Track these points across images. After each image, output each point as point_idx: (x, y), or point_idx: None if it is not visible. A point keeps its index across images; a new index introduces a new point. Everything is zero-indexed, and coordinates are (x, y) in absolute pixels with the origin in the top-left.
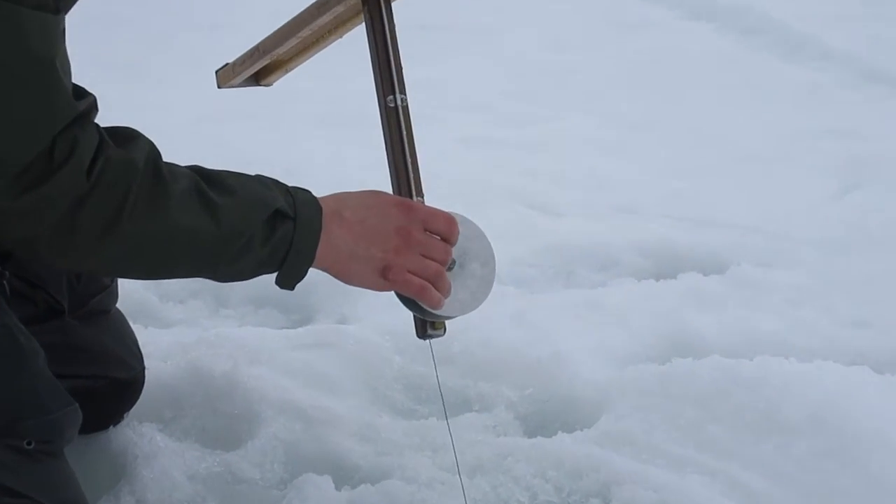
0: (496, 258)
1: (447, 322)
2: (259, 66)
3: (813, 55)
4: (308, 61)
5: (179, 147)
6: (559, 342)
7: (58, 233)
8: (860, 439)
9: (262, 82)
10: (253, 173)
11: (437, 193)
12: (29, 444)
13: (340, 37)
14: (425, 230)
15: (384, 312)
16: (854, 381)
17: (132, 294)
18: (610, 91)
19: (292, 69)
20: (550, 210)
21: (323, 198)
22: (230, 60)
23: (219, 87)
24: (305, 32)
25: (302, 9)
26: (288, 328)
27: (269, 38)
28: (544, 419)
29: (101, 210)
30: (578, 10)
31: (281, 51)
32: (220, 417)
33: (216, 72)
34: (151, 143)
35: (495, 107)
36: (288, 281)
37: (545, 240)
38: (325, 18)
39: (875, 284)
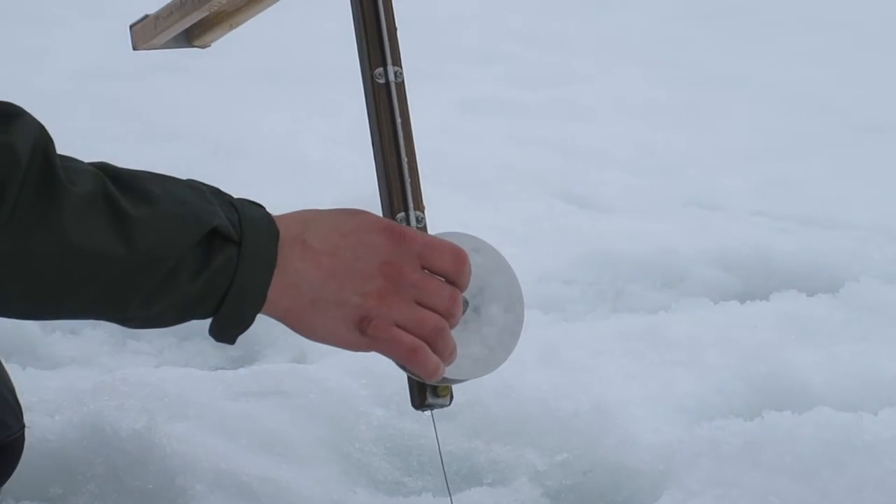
0: (523, 292)
1: (455, 386)
2: (192, 21)
3: None
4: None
5: (63, 115)
6: (605, 389)
7: None
8: None
9: (196, 42)
10: (174, 157)
11: (434, 184)
12: None
13: None
14: (423, 267)
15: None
16: None
17: (5, 322)
18: (674, 35)
19: (239, 25)
20: (592, 204)
21: (281, 217)
22: (150, 11)
23: (135, 47)
24: None
25: None
26: (224, 369)
27: None
28: (584, 496)
29: None
30: None
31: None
32: (130, 495)
33: (131, 27)
34: (41, 127)
35: (515, 58)
36: (227, 330)
37: (585, 246)
38: None
39: None
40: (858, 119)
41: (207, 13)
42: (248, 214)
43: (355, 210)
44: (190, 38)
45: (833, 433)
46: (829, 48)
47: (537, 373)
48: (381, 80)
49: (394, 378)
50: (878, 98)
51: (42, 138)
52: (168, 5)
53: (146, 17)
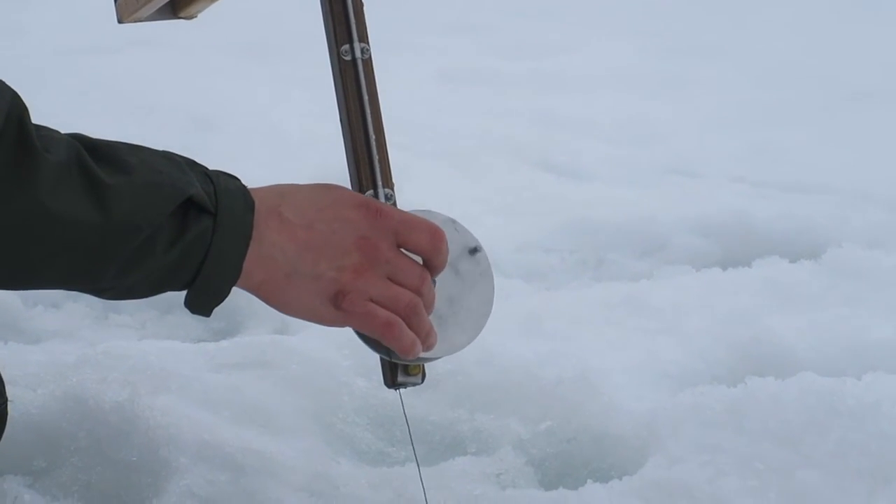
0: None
1: (427, 364)
2: None
3: None
4: None
5: (44, 89)
6: (588, 357)
7: None
8: None
9: (182, 13)
10: (150, 130)
11: (414, 154)
12: None
13: None
14: (398, 245)
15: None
16: None
17: None
18: (655, 6)
19: None
20: (572, 173)
21: (256, 190)
22: None
23: (120, 20)
24: None
25: None
26: (206, 341)
27: None
28: (568, 464)
29: None
30: None
31: None
32: (113, 467)
33: (115, 0)
34: (14, 94)
35: (495, 28)
36: (202, 302)
37: (566, 214)
38: None
39: None
40: (839, 87)
41: None
42: (224, 186)
43: (333, 185)
44: (175, 9)
45: (816, 398)
46: (810, 18)
47: (520, 341)
48: (348, 58)
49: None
50: (859, 66)
51: (16, 106)
52: None
53: None
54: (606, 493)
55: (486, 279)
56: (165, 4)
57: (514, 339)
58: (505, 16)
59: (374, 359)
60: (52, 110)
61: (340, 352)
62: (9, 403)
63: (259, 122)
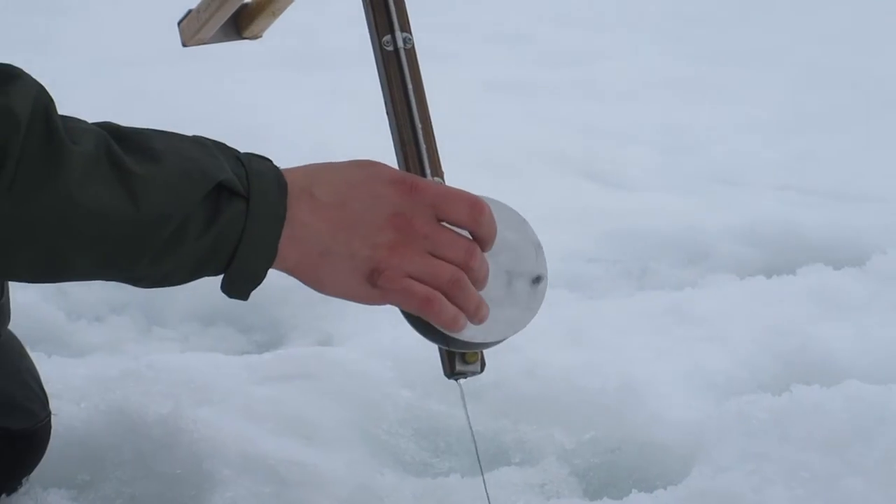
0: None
1: (486, 351)
2: (231, 11)
3: None
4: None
5: (79, 100)
6: (632, 366)
7: None
8: None
9: (246, 33)
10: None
11: (457, 163)
12: None
13: None
14: (439, 219)
15: (384, 327)
16: None
17: (30, 310)
18: (696, 12)
19: (281, 11)
20: (615, 182)
21: (288, 170)
22: (190, 9)
23: (184, 44)
24: None
25: None
26: (250, 353)
27: None
28: (612, 474)
29: None
30: None
31: None
32: (157, 480)
33: (178, 24)
34: (40, 87)
35: (537, 39)
36: (239, 286)
37: (610, 224)
38: None
39: None
40: (884, 93)
41: (241, 2)
42: (256, 168)
43: (366, 161)
44: (239, 29)
45: (862, 406)
46: (854, 23)
47: (563, 351)
48: (390, 48)
49: (419, 360)
50: None
51: (42, 98)
52: (202, 3)
53: (189, 11)
54: (651, 502)
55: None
56: (230, 26)
57: (557, 348)
58: (543, 25)
59: (417, 370)
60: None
61: (384, 363)
62: (52, 417)
63: (304, 132)
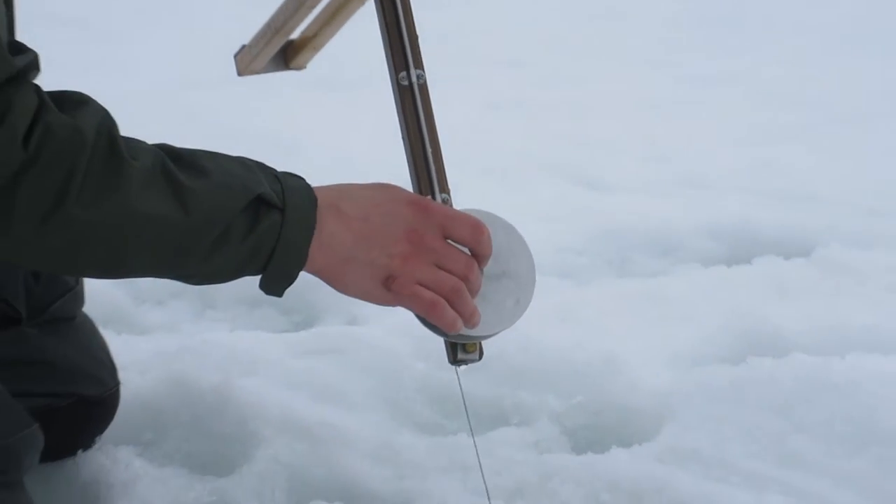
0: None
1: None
2: (278, 46)
3: None
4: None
5: (143, 120)
6: (613, 342)
7: None
8: None
9: (292, 65)
10: (234, 154)
11: (465, 172)
12: None
13: (362, 3)
14: (445, 237)
15: (402, 310)
16: None
17: (102, 296)
18: (673, 40)
19: (322, 46)
20: (600, 185)
21: (319, 188)
22: (245, 44)
23: (239, 74)
24: (316, 2)
25: None
26: (288, 332)
27: (278, 12)
28: (596, 433)
29: (42, 189)
30: None
31: (299, 25)
32: (210, 439)
33: (234, 56)
34: (105, 111)
35: (532, 63)
36: (275, 284)
37: (594, 221)
38: None
39: None
40: (829, 111)
41: (286, 38)
42: (290, 184)
43: (387, 184)
44: (287, 60)
45: (807, 375)
46: (804, 50)
47: (555, 329)
48: (405, 83)
49: (432, 337)
50: (845, 94)
51: (106, 121)
52: (255, 35)
53: (243, 46)
54: (628, 456)
55: (528, 266)
56: (279, 58)
57: (549, 327)
58: (539, 52)
59: (430, 346)
60: (158, 138)
61: (402, 339)
62: (121, 386)
63: (332, 146)
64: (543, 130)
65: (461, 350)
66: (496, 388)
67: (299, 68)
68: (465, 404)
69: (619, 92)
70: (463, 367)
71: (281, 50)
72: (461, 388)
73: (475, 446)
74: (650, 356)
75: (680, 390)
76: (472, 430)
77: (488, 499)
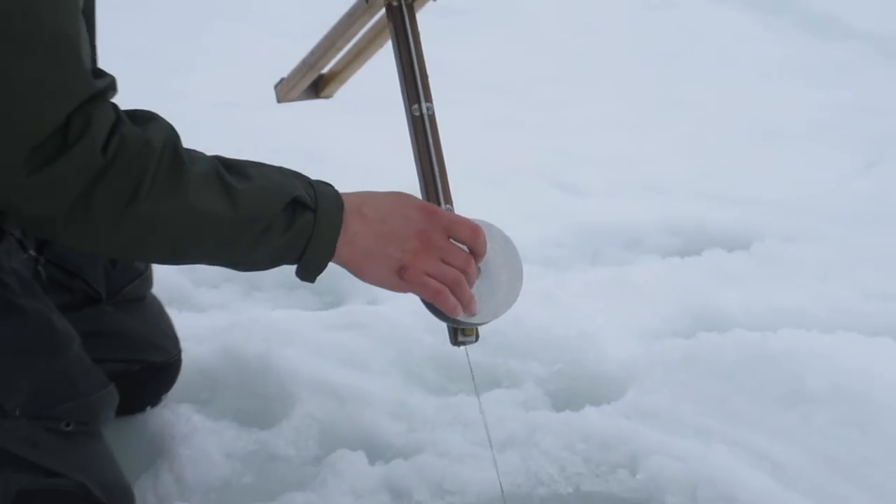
0: (526, 255)
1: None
2: (311, 79)
3: (835, 34)
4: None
5: (201, 134)
6: (586, 320)
7: (73, 211)
8: (882, 408)
9: (322, 94)
10: (276, 164)
11: (465, 179)
12: (67, 425)
13: (381, 46)
14: (448, 237)
15: (413, 296)
16: (876, 352)
17: (167, 280)
18: (638, 72)
19: (347, 79)
20: (577, 190)
21: (345, 194)
22: (284, 76)
23: (278, 101)
24: (344, 44)
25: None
26: (320, 310)
27: (312, 52)
28: (572, 394)
29: (118, 189)
30: None
31: (329, 63)
32: (255, 398)
33: (274, 87)
34: (170, 126)
35: (520, 90)
36: (308, 272)
37: (572, 219)
38: (358, 29)
39: None
40: (764, 127)
41: (320, 73)
42: (322, 190)
43: (401, 192)
44: (316, 91)
45: (745, 348)
46: (736, 79)
47: (539, 309)
48: (417, 114)
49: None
50: (776, 112)
51: (171, 134)
52: (292, 70)
53: (281, 79)
54: (599, 414)
55: (518, 268)
56: (310, 89)
57: (534, 307)
58: (526, 82)
59: (438, 323)
60: (212, 149)
61: (413, 317)
62: (182, 354)
63: (356, 158)
64: (529, 145)
65: (461, 333)
66: (491, 358)
67: (328, 97)
68: (472, 375)
69: (593, 114)
70: (463, 347)
71: (313, 83)
72: (469, 364)
73: (480, 408)
74: (617, 332)
75: (642, 360)
76: (478, 394)
77: (490, 446)
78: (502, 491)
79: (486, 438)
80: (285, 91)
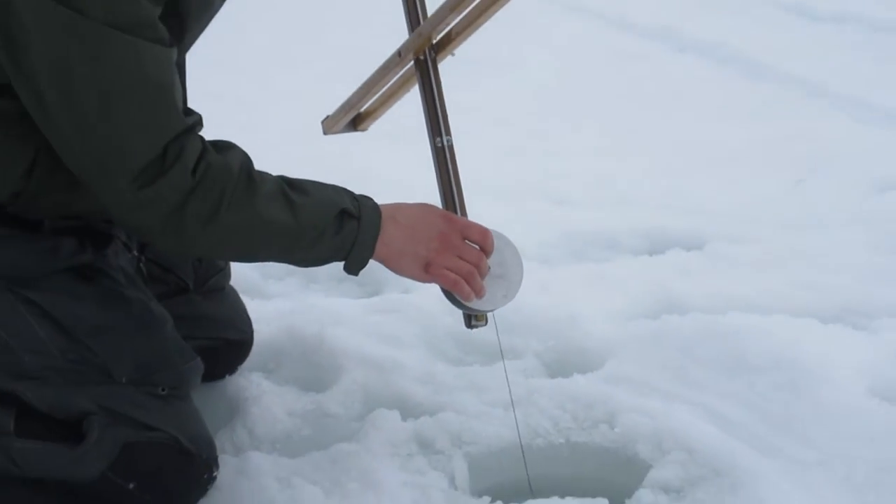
0: (525, 257)
1: (490, 317)
2: (351, 116)
3: (770, 78)
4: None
5: (273, 160)
6: (573, 305)
7: (169, 221)
8: (808, 374)
9: (359, 128)
10: (328, 181)
11: (476, 194)
12: (163, 390)
13: (409, 90)
14: (464, 238)
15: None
16: (804, 330)
17: (242, 274)
18: (613, 110)
19: (379, 116)
20: (566, 203)
21: (383, 205)
22: (329, 114)
23: (324, 133)
24: (379, 89)
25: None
26: (363, 298)
27: (353, 95)
28: (563, 364)
29: (203, 203)
30: (587, 44)
31: (366, 104)
32: (311, 367)
33: (321, 122)
34: (245, 153)
35: (521, 124)
36: (353, 268)
37: (562, 226)
38: (391, 77)
39: (821, 256)
40: (713, 154)
41: (359, 111)
42: (364, 202)
43: (427, 204)
44: (355, 125)
45: (700, 328)
46: (691, 114)
47: (537, 297)
48: (440, 145)
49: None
50: (723, 142)
51: (246, 159)
52: (336, 109)
53: (327, 117)
54: (585, 380)
55: (519, 266)
56: (350, 124)
57: (533, 295)
58: (526, 116)
59: (456, 310)
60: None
61: (437, 303)
62: (254, 333)
63: (393, 177)
64: (528, 168)
65: (474, 319)
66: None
67: (363, 130)
68: (502, 355)
69: (578, 142)
70: (475, 329)
71: (352, 120)
72: (500, 343)
73: (505, 372)
74: (598, 314)
75: (618, 337)
76: (506, 372)
77: (513, 406)
78: (520, 438)
79: (496, 401)
80: (329, 126)
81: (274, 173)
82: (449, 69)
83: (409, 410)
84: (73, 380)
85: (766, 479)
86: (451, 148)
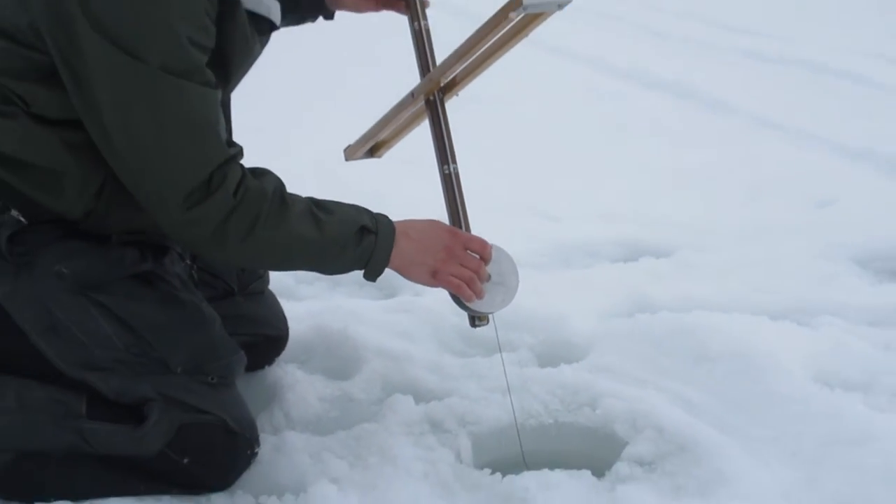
0: (519, 265)
1: (491, 317)
2: (370, 146)
3: (726, 111)
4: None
5: (305, 184)
6: (562, 306)
7: (214, 236)
8: (761, 364)
9: (375, 155)
10: (349, 201)
11: (477, 209)
12: (212, 379)
13: (419, 124)
14: (466, 249)
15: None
16: (757, 327)
17: (278, 279)
18: (593, 139)
19: (394, 145)
20: (554, 218)
21: (397, 221)
22: (350, 143)
23: (346, 160)
24: (395, 122)
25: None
26: (381, 300)
27: (372, 127)
28: (552, 356)
29: (243, 222)
30: (566, 86)
31: (382, 135)
32: (337, 359)
33: (343, 150)
34: (278, 178)
35: (515, 152)
36: (371, 276)
37: (551, 237)
38: (405, 113)
39: (772, 263)
40: (677, 178)
41: (376, 141)
42: (381, 219)
43: (435, 220)
44: (372, 153)
45: (669, 324)
46: (659, 143)
47: (530, 298)
48: (447, 171)
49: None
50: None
51: (279, 183)
52: (357, 139)
53: (348, 146)
54: (571, 370)
55: (515, 274)
56: (368, 152)
57: (527, 296)
58: (520, 145)
59: (461, 311)
60: (307, 192)
61: (445, 305)
62: (289, 330)
63: (404, 195)
64: (522, 188)
65: (476, 319)
66: (495, 331)
67: (379, 157)
68: (500, 349)
69: (564, 167)
70: (478, 328)
71: (370, 148)
72: (499, 341)
73: (504, 371)
74: (583, 313)
75: (599, 332)
76: (503, 359)
77: (509, 392)
78: (515, 419)
79: (495, 388)
80: (350, 153)
81: (304, 195)
82: (454, 107)
83: (421, 395)
84: (136, 370)
85: (725, 453)
86: (457, 174)
